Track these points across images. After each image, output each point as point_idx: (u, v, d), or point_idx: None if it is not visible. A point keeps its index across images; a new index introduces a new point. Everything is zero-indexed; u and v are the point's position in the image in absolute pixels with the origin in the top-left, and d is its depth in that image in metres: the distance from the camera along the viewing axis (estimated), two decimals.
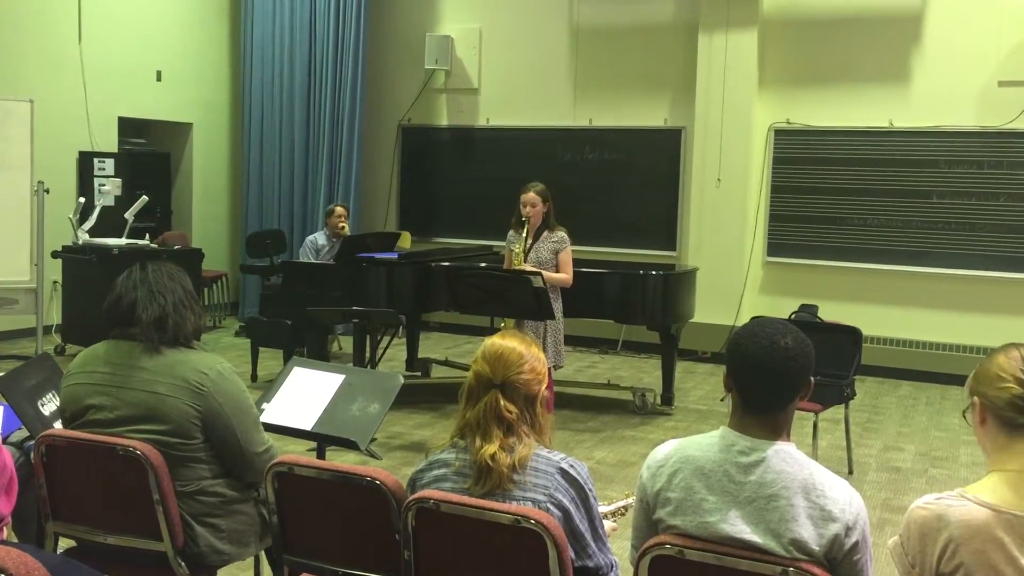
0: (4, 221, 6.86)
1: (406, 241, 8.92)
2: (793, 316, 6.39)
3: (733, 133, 8.47)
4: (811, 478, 1.93)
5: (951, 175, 7.94)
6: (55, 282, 8.11)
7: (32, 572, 1.24)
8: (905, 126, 8.06)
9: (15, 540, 2.73)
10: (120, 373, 2.61)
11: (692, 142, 8.72)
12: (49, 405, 3.06)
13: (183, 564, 2.55)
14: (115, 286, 2.70)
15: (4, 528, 2.29)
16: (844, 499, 1.92)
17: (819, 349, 2.04)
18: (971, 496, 1.87)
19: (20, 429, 2.96)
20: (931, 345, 8.08)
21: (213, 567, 2.67)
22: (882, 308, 8.20)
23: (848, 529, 1.89)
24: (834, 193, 8.33)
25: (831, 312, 7.42)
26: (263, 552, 2.87)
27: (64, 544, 2.76)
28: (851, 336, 5.42)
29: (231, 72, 10.27)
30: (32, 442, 2.75)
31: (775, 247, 8.59)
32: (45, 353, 3.82)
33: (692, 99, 8.65)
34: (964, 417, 2.02)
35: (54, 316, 8.18)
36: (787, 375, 1.96)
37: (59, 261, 7.77)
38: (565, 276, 5.63)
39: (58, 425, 2.86)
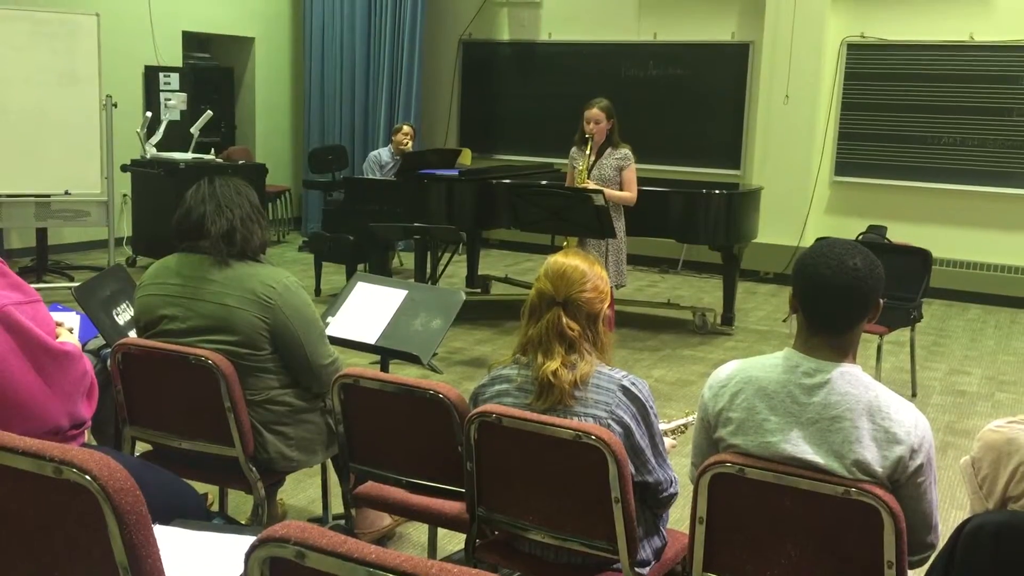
0: (75, 135, 6.98)
1: (467, 158, 8.88)
2: (861, 237, 6.26)
3: (804, 47, 8.19)
4: (876, 400, 1.91)
5: None
6: (124, 195, 8.28)
7: (115, 473, 1.30)
8: (986, 40, 7.71)
9: (95, 443, 2.85)
10: (191, 285, 2.67)
11: (760, 57, 8.46)
12: (123, 315, 3.15)
13: (254, 469, 2.65)
14: (184, 200, 2.74)
15: (85, 431, 2.39)
16: (910, 422, 1.90)
17: (887, 271, 2.00)
18: None
19: (96, 337, 3.05)
20: (1002, 268, 7.87)
21: (282, 473, 2.77)
22: (953, 230, 7.98)
23: (913, 452, 1.88)
24: (908, 110, 8.05)
25: (900, 233, 7.26)
26: (329, 460, 2.96)
27: (140, 448, 2.88)
28: (920, 258, 5.30)
29: None
30: (108, 350, 2.85)
31: (843, 166, 8.37)
32: (118, 264, 3.92)
33: (761, 12, 8.36)
34: None
35: (125, 228, 8.37)
36: (855, 296, 1.92)
37: (128, 174, 7.92)
38: (629, 194, 5.55)
39: (132, 334, 2.95)
